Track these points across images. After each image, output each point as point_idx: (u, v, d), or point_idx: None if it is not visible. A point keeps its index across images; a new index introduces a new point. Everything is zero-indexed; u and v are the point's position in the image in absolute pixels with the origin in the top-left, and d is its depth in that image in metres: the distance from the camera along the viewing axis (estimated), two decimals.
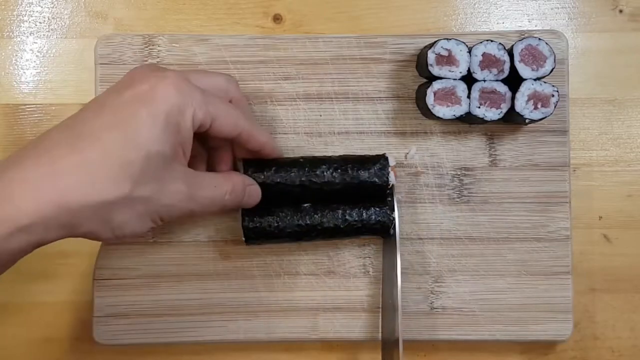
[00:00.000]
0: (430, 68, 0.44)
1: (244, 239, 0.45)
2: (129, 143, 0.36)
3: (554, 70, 0.45)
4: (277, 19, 0.50)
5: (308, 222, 0.45)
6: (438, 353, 0.49)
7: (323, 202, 0.45)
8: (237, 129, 0.41)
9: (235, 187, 0.43)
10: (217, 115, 0.40)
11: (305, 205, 0.45)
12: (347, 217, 0.45)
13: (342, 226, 0.45)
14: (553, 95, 0.44)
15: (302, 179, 0.44)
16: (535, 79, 0.44)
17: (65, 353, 0.49)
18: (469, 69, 0.44)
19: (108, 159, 0.36)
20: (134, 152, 0.36)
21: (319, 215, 0.45)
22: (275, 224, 0.45)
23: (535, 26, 0.50)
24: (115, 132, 0.36)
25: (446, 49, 0.44)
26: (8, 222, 0.34)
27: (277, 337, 0.48)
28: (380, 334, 0.47)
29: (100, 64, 0.47)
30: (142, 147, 0.36)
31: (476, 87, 0.44)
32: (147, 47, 0.48)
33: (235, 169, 0.46)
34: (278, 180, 0.44)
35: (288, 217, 0.45)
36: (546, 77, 0.45)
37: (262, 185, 0.44)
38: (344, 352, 0.49)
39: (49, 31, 0.50)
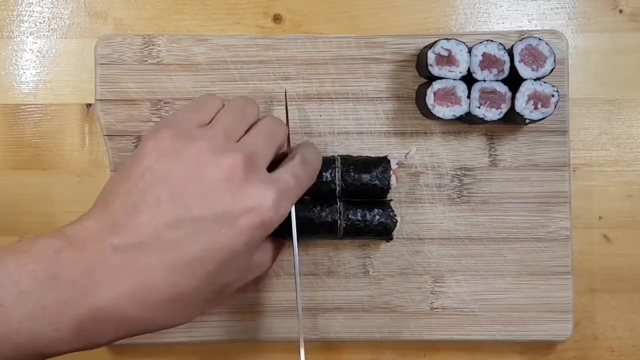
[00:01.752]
0: (430, 68, 0.44)
1: None
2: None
3: (554, 70, 0.45)
4: (277, 19, 0.50)
5: (307, 214, 0.44)
6: (438, 353, 0.49)
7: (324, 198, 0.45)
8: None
9: (274, 252, 0.44)
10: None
11: (306, 197, 0.44)
12: (349, 215, 0.45)
13: (344, 224, 0.44)
14: (553, 95, 0.44)
15: None
16: (535, 79, 0.44)
17: None
18: (469, 69, 0.44)
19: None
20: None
21: (317, 209, 0.45)
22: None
23: (535, 26, 0.50)
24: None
25: (446, 49, 0.44)
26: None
27: (277, 337, 0.48)
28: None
29: (100, 64, 0.47)
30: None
31: (476, 87, 0.44)
32: (147, 47, 0.48)
33: None
34: None
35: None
36: (546, 77, 0.45)
37: None
38: (344, 352, 0.49)
39: (49, 31, 0.50)
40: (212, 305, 0.39)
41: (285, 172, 0.39)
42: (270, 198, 0.36)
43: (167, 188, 0.35)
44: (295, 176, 0.40)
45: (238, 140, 0.39)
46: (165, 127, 0.38)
